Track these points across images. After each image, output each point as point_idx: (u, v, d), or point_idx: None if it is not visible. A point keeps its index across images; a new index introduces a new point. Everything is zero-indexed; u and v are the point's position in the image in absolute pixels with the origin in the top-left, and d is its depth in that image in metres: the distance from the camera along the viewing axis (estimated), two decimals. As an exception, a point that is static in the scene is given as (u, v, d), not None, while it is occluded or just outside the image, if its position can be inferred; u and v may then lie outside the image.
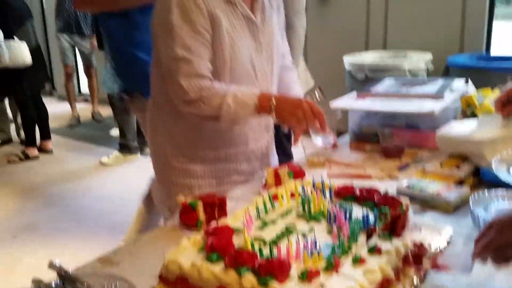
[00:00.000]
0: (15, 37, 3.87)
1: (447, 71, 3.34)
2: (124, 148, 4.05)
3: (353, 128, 1.56)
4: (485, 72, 3.06)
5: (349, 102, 1.53)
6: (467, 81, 1.64)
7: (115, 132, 4.80)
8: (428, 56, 3.50)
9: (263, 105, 1.17)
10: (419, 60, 3.43)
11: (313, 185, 0.99)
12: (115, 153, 4.07)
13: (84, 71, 5.51)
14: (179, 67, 1.16)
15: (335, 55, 3.83)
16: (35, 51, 4.05)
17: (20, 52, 3.85)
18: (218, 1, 1.20)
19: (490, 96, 1.42)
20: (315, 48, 4.21)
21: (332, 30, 4.12)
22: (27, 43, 3.93)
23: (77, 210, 3.26)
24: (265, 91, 1.31)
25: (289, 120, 1.16)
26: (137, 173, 3.78)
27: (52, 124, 4.52)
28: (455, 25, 3.59)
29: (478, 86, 2.99)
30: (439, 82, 1.62)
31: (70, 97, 5.55)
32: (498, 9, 3.54)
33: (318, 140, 1.27)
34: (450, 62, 3.31)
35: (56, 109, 6.00)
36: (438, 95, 1.46)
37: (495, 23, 3.61)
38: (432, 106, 1.37)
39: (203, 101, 1.17)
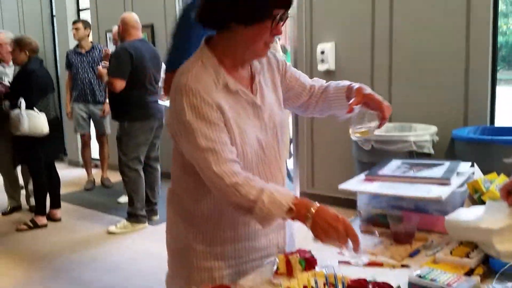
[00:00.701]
0: (35, 108, 4.01)
1: (452, 143, 3.40)
2: (133, 217, 4.07)
3: (362, 209, 1.59)
4: (489, 145, 3.12)
5: (358, 185, 1.56)
6: (472, 165, 1.68)
7: (123, 199, 4.85)
8: (433, 128, 3.57)
9: (300, 212, 1.19)
10: (424, 132, 3.50)
11: (326, 278, 1.01)
12: (123, 222, 4.09)
13: (96, 138, 5.65)
14: (207, 157, 1.21)
15: (342, 124, 3.90)
16: (53, 122, 4.17)
17: (39, 122, 3.98)
18: (222, 93, 1.27)
19: (497, 182, 1.45)
20: (322, 120, 4.31)
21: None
22: (46, 114, 4.07)
23: (84, 282, 3.23)
24: (278, 169, 1.37)
25: (321, 238, 1.18)
26: (145, 244, 3.79)
27: (62, 190, 4.57)
28: (459, 98, 3.68)
29: (484, 158, 3.08)
30: (445, 165, 1.66)
31: (86, 164, 5.72)
32: (499, 74, 3.63)
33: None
34: (454, 135, 3.38)
35: (67, 175, 6.10)
36: (445, 180, 1.49)
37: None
38: (439, 192, 1.41)
39: (238, 190, 1.20)
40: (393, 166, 1.71)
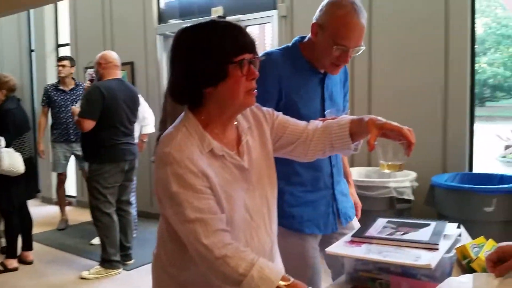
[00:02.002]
0: (11, 148, 3.91)
1: (432, 190, 3.42)
2: (106, 262, 3.93)
3: (349, 272, 1.54)
4: (469, 193, 3.14)
5: (345, 248, 1.52)
6: (459, 226, 1.66)
7: (96, 241, 4.70)
8: (413, 174, 3.59)
9: None
10: (404, 179, 3.51)
11: None
12: (97, 267, 3.94)
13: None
14: (196, 229, 1.17)
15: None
16: (28, 162, 4.06)
17: (17, 161, 3.87)
18: (208, 159, 1.24)
19: (485, 248, 1.44)
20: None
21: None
22: (21, 154, 3.97)
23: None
24: (265, 232, 1.34)
25: None
26: (119, 291, 3.65)
27: (34, 229, 4.40)
28: (438, 146, 3.73)
29: (464, 207, 3.09)
30: (431, 226, 1.65)
31: (61, 202, 5.57)
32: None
33: None
34: (434, 182, 3.40)
35: (40, 212, 5.94)
36: (433, 245, 1.47)
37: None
38: (428, 259, 1.38)
39: (227, 262, 1.16)
40: (379, 226, 1.68)
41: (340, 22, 1.72)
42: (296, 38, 1.94)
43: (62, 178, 5.46)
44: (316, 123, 1.50)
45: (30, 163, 4.17)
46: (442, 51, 3.66)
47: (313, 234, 1.94)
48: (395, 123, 1.33)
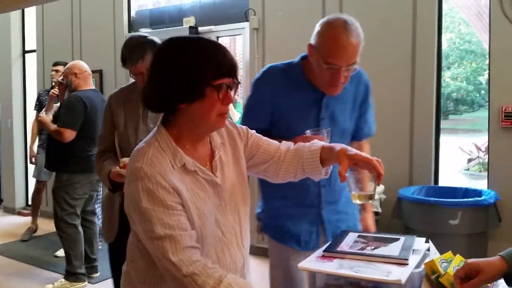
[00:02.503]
0: None
1: (399, 203, 3.48)
2: (71, 275, 3.83)
3: (320, 287, 1.55)
4: (434, 206, 3.20)
5: (317, 263, 1.53)
6: (427, 241, 1.70)
7: (61, 253, 4.58)
8: (381, 187, 3.64)
9: None
10: (373, 192, 3.55)
11: None
12: (61, 280, 3.84)
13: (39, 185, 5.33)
14: (164, 245, 1.15)
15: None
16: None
17: None
18: (180, 174, 1.23)
19: (453, 264, 1.47)
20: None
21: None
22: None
23: None
24: (237, 247, 1.34)
25: None
26: (84, 305, 3.56)
27: (1, 240, 4.26)
28: (404, 158, 3.80)
29: (430, 219, 3.15)
30: (401, 241, 1.67)
31: (35, 210, 5.40)
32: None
33: None
34: (401, 195, 3.46)
35: (1, 223, 5.74)
36: (402, 260, 1.49)
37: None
38: (399, 274, 1.40)
39: (195, 279, 1.15)
40: (350, 241, 1.70)
41: (329, 42, 1.75)
42: (302, 54, 1.93)
43: (41, 186, 5.30)
44: (288, 144, 1.52)
45: None
46: (409, 65, 3.75)
47: (293, 248, 1.95)
48: (365, 154, 1.38)
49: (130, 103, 2.27)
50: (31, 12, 6.42)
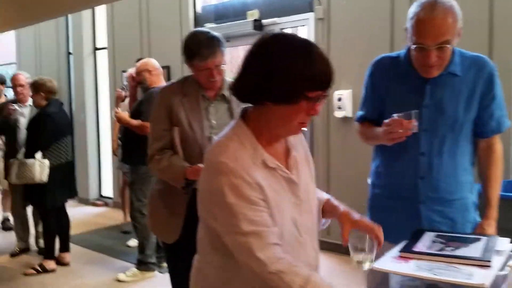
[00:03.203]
0: (43, 152, 3.99)
1: (480, 199, 3.29)
2: (143, 265, 3.96)
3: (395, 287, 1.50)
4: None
5: (393, 265, 1.47)
6: (512, 242, 1.59)
7: (132, 243, 4.76)
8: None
9: None
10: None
11: None
12: (133, 269, 3.98)
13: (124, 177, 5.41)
14: (250, 242, 1.14)
15: (359, 171, 3.79)
16: (65, 167, 4.14)
17: (44, 172, 3.97)
18: (261, 171, 1.22)
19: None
20: (339, 166, 4.28)
21: (353, 152, 4.16)
22: (57, 159, 4.06)
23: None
24: (312, 247, 1.33)
25: None
26: (155, 294, 3.67)
27: (72, 230, 4.48)
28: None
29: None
30: (482, 241, 1.58)
31: (125, 204, 5.42)
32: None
33: None
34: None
35: (76, 213, 6.02)
36: (485, 262, 1.40)
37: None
38: (482, 278, 1.32)
39: (282, 277, 1.13)
40: (427, 241, 1.62)
41: (414, 21, 1.72)
42: None
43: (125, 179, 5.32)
44: None
45: (68, 168, 4.24)
46: None
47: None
48: (368, 222, 1.40)
49: (188, 98, 2.18)
50: (101, 10, 6.67)
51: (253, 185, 1.17)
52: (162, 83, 4.00)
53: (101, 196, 7.01)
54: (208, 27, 5.35)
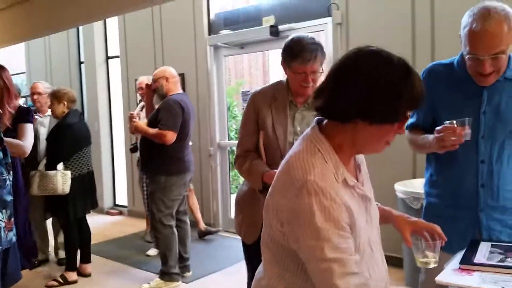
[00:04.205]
0: (64, 163, 3.98)
1: None
2: (166, 275, 3.92)
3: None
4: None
5: (454, 277, 1.43)
6: None
7: (152, 252, 4.72)
8: None
9: None
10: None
11: None
12: (157, 280, 3.94)
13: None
14: (332, 268, 1.10)
15: (387, 180, 3.76)
16: (85, 178, 4.12)
17: (66, 183, 3.95)
18: (343, 189, 1.17)
19: None
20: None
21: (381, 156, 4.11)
22: (78, 169, 4.03)
23: None
24: (382, 262, 1.31)
25: None
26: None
27: (93, 239, 4.45)
28: None
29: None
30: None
31: (195, 213, 5.35)
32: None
33: None
34: None
35: (92, 223, 5.99)
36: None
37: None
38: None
39: None
40: (485, 252, 1.58)
41: (467, 30, 1.70)
42: None
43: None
44: None
45: (88, 179, 4.21)
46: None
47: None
48: (426, 222, 1.44)
49: (277, 103, 2.21)
50: (113, 19, 6.64)
51: (342, 207, 1.13)
52: (179, 90, 3.98)
53: (115, 204, 6.98)
54: (223, 33, 5.33)
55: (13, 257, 2.39)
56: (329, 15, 4.41)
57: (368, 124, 1.15)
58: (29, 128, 3.03)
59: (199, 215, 5.35)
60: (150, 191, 3.98)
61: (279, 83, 2.29)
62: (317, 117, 1.27)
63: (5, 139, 2.72)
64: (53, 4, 5.90)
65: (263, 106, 2.21)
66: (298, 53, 2.10)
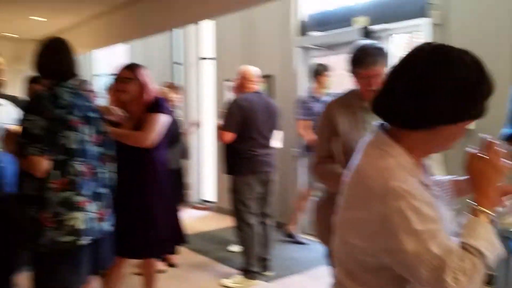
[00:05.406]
0: None
1: None
2: (247, 272, 3.98)
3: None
4: None
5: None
6: None
7: (234, 248, 4.81)
8: None
9: None
10: None
11: None
12: (237, 276, 4.01)
13: None
14: (446, 262, 1.04)
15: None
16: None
17: None
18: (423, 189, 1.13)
19: None
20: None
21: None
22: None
23: None
24: None
25: None
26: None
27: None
28: None
29: None
30: None
31: (294, 214, 5.34)
32: None
33: None
34: None
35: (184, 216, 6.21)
36: None
37: None
38: None
39: (471, 262, 1.06)
40: None
41: None
42: None
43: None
44: None
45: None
46: None
47: None
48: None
49: (349, 109, 2.31)
50: (206, 21, 6.87)
51: (431, 204, 1.09)
52: (252, 89, 4.02)
53: (204, 200, 7.20)
54: (312, 35, 5.30)
55: (106, 244, 2.53)
56: (426, 15, 4.21)
57: (447, 126, 1.10)
58: (155, 118, 2.98)
59: (296, 217, 5.24)
60: (228, 189, 4.07)
61: (352, 90, 2.38)
62: (379, 122, 1.22)
63: (119, 131, 2.91)
64: (153, 8, 6.25)
65: (336, 113, 2.32)
66: (360, 58, 2.23)
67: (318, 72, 4.90)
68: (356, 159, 1.22)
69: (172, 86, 5.18)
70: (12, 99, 3.03)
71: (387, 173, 1.10)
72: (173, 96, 4.92)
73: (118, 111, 3.01)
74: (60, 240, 2.28)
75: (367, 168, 1.15)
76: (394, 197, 1.07)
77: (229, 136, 3.86)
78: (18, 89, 4.08)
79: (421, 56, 1.13)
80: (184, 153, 5.07)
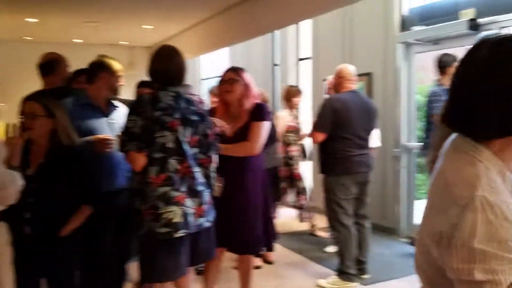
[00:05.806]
0: None
1: None
2: (343, 274, 3.92)
3: None
4: None
5: None
6: None
7: (330, 249, 4.77)
8: None
9: None
10: None
11: None
12: (333, 277, 3.97)
13: None
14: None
15: None
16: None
17: None
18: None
19: None
20: None
21: None
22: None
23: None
24: None
25: None
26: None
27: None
28: None
29: None
30: None
31: None
32: None
33: None
34: None
35: (280, 215, 6.30)
36: None
37: None
38: None
39: None
40: None
41: None
42: None
43: None
44: None
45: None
46: None
47: None
48: None
49: None
50: (305, 21, 6.90)
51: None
52: (348, 88, 3.95)
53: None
54: (415, 30, 5.09)
55: (204, 238, 2.66)
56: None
57: None
58: (260, 126, 3.06)
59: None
60: (323, 189, 4.04)
61: None
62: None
63: (229, 146, 3.04)
64: (255, 10, 6.40)
65: None
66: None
67: (448, 63, 4.62)
68: (439, 164, 1.15)
69: (295, 89, 5.28)
70: (126, 102, 3.30)
71: (474, 180, 1.00)
72: (295, 99, 5.11)
73: (221, 122, 3.11)
74: (157, 231, 2.46)
75: (453, 174, 1.06)
76: (474, 209, 0.97)
77: (321, 136, 3.85)
78: (131, 93, 4.42)
79: (483, 56, 1.01)
80: (304, 154, 5.29)
